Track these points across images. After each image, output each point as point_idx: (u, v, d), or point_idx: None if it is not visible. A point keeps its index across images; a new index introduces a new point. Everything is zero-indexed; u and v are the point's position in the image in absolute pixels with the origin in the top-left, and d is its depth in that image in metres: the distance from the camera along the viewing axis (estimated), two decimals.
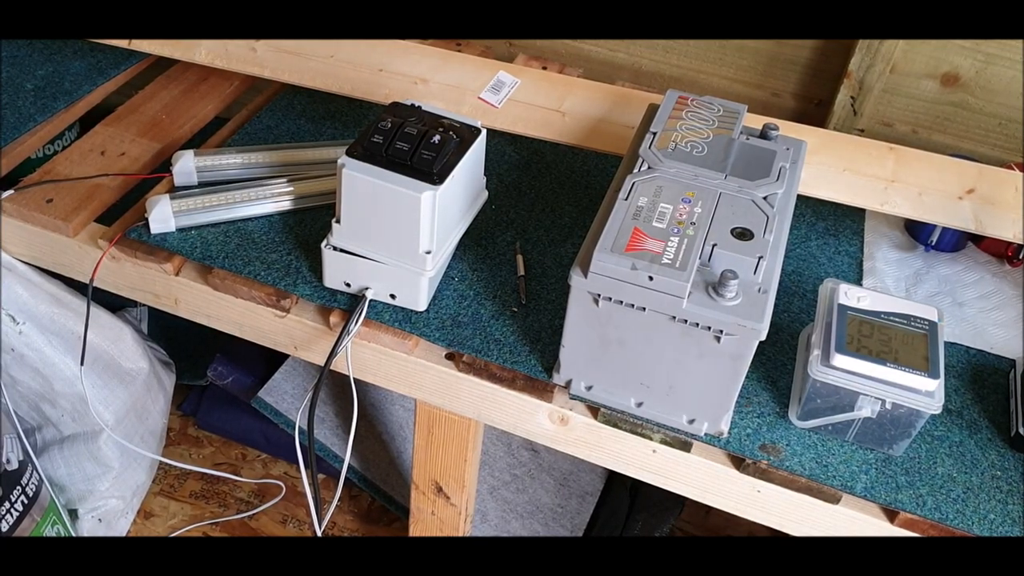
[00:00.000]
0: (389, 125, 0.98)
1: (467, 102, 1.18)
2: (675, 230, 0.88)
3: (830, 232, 1.20)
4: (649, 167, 0.95)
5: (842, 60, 1.37)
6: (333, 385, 1.48)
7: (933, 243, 1.19)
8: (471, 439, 1.09)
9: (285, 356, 1.50)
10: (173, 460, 1.47)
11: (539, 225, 1.16)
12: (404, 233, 0.97)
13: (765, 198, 0.93)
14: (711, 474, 0.96)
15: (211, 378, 1.46)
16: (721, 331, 0.85)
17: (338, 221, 0.99)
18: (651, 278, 0.83)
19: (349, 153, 0.96)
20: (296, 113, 1.28)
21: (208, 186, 1.14)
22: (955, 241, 1.19)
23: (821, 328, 0.94)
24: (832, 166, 1.14)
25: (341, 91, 1.20)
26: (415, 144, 0.96)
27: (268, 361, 1.48)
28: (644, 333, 0.88)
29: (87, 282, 1.11)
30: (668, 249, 0.86)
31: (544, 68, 1.42)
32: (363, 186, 0.95)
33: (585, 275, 0.86)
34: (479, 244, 1.12)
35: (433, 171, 0.95)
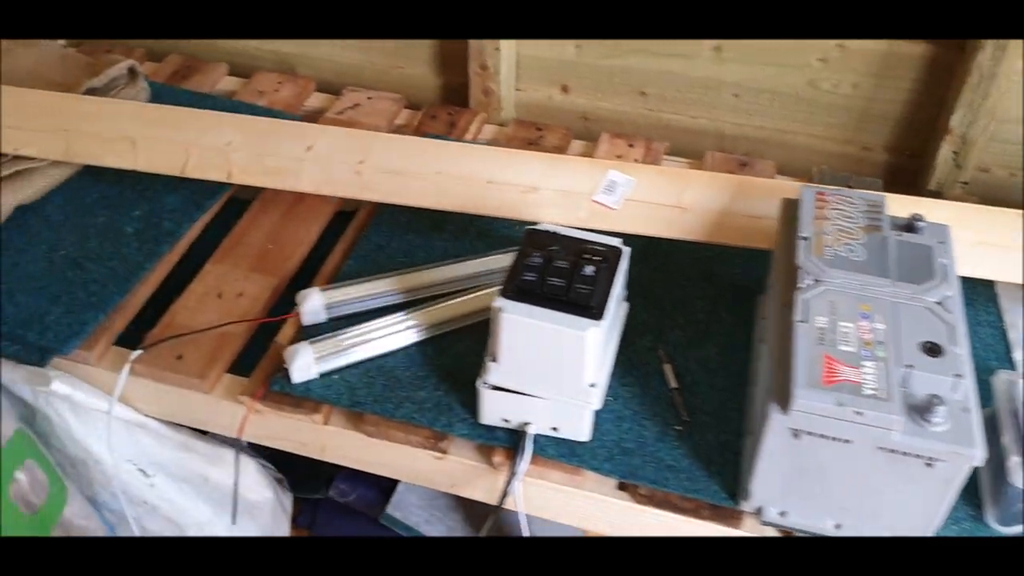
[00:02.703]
0: (539, 261, 0.95)
1: (583, 207, 1.16)
2: (865, 353, 0.86)
3: (967, 301, 1.18)
4: (815, 280, 0.93)
5: (936, 110, 1.36)
6: None
7: None
8: None
9: None
10: None
11: (673, 324, 1.14)
12: (568, 369, 0.94)
13: (939, 303, 0.91)
14: None
15: (334, 496, 1.43)
16: (932, 458, 0.83)
17: (494, 360, 0.97)
18: (859, 413, 0.81)
19: (503, 294, 0.94)
20: (403, 227, 1.25)
21: (337, 321, 1.11)
22: None
23: (1011, 430, 0.92)
24: (965, 240, 1.11)
25: (454, 208, 1.17)
26: (569, 278, 0.94)
27: None
28: (848, 463, 0.86)
29: (227, 435, 1.09)
30: (866, 377, 0.83)
31: (631, 145, 1.40)
32: (524, 328, 0.93)
33: (786, 411, 0.84)
34: (621, 352, 1.09)
35: (591, 304, 0.93)
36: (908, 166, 1.44)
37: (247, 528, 1.29)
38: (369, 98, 1.49)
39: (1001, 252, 1.11)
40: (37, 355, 1.08)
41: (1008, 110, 1.32)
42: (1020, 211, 1.15)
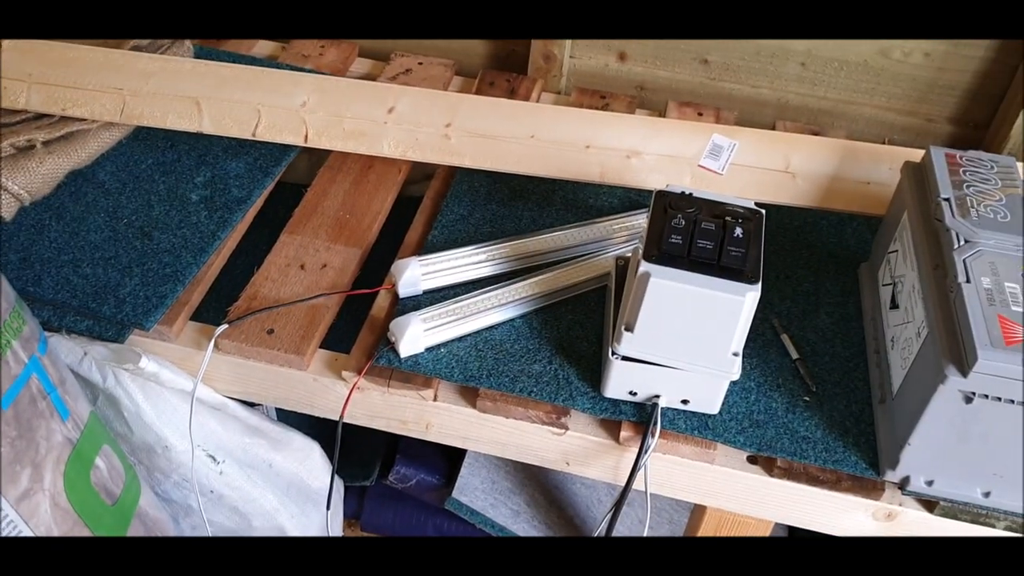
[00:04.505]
0: (683, 223, 0.90)
1: (688, 171, 1.11)
2: None
3: None
4: (966, 241, 0.90)
5: (1006, 80, 1.35)
6: (515, 472, 1.39)
7: None
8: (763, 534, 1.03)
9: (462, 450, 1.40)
10: None
11: (782, 295, 1.10)
12: (714, 337, 0.89)
13: None
14: None
15: (392, 482, 1.35)
16: None
17: (630, 329, 0.91)
18: None
19: (648, 259, 0.88)
20: (483, 196, 1.18)
21: (431, 294, 1.05)
22: None
23: None
24: None
25: (550, 174, 1.11)
26: (718, 241, 0.89)
27: (446, 456, 1.38)
28: (1017, 426, 0.83)
29: (324, 417, 1.01)
30: None
31: (700, 114, 1.36)
32: (673, 294, 0.87)
33: (965, 374, 0.80)
34: None
35: (745, 268, 0.88)
36: (972, 137, 1.43)
37: (312, 516, 1.21)
38: (420, 63, 1.41)
39: None
40: (113, 331, 0.99)
41: None
42: None
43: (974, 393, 0.81)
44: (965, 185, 0.96)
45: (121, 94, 1.14)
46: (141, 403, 1.02)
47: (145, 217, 1.09)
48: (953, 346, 0.82)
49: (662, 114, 1.38)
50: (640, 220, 1.13)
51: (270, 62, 1.36)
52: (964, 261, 0.87)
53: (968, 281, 0.85)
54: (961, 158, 1.00)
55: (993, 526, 0.91)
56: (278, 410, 1.27)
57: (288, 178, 1.21)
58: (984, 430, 0.84)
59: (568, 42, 1.43)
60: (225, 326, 1.00)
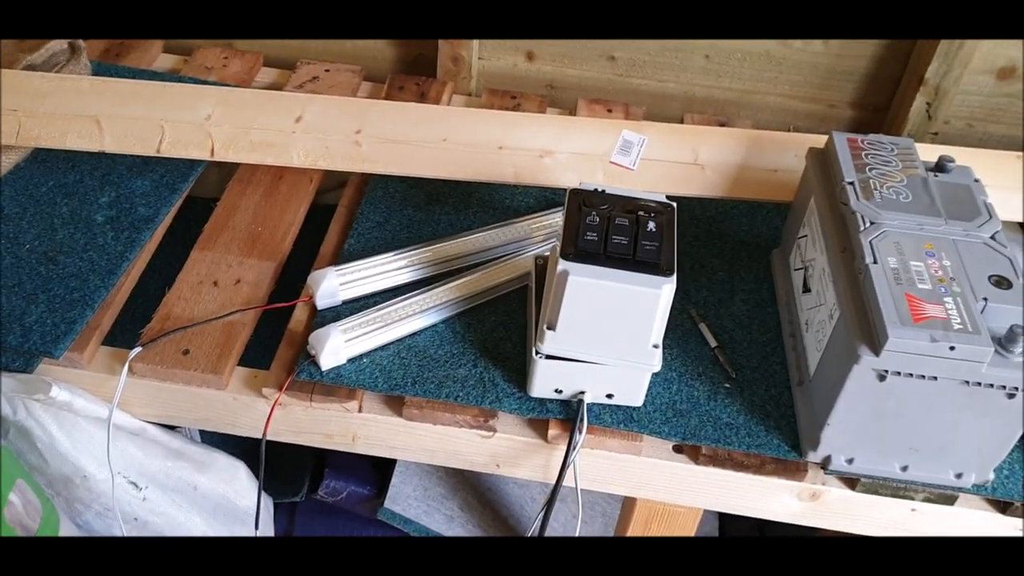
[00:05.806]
0: (597, 220, 0.91)
1: (600, 168, 1.12)
2: (942, 289, 0.86)
3: None
4: (871, 222, 0.93)
5: (901, 64, 1.39)
6: (448, 477, 1.39)
7: None
8: (693, 524, 1.04)
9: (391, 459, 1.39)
10: None
11: (698, 284, 1.11)
12: (634, 331, 0.90)
13: (992, 238, 0.92)
14: (973, 524, 0.95)
15: (323, 496, 1.33)
16: (1016, 388, 0.83)
17: (552, 328, 0.92)
18: (952, 348, 0.81)
19: (565, 257, 0.89)
20: (399, 202, 1.17)
21: (350, 304, 1.03)
22: None
23: None
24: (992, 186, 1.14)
25: (465, 177, 1.11)
26: (632, 236, 0.90)
27: (376, 466, 1.37)
28: (929, 401, 0.85)
29: (244, 434, 0.99)
30: (950, 313, 0.83)
31: (609, 111, 1.38)
32: (592, 291, 0.88)
33: (877, 353, 0.82)
34: None
35: (660, 261, 0.89)
36: (872, 120, 1.47)
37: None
38: (327, 71, 1.39)
39: (999, 192, 1.13)
40: (21, 361, 0.95)
41: (981, 59, 1.36)
42: (1019, 153, 1.18)
43: (887, 371, 0.84)
44: (868, 168, 0.99)
45: (16, 115, 1.09)
46: (55, 433, 0.99)
47: (49, 242, 1.05)
48: (864, 326, 0.85)
49: (573, 112, 1.39)
50: (557, 218, 1.13)
51: (172, 76, 1.33)
52: (870, 242, 0.90)
53: (875, 262, 0.88)
54: (863, 142, 1.03)
55: (912, 498, 0.94)
56: (202, 431, 1.24)
57: (198, 192, 1.18)
58: (898, 406, 0.86)
59: (476, 43, 1.43)
60: (139, 349, 0.97)
